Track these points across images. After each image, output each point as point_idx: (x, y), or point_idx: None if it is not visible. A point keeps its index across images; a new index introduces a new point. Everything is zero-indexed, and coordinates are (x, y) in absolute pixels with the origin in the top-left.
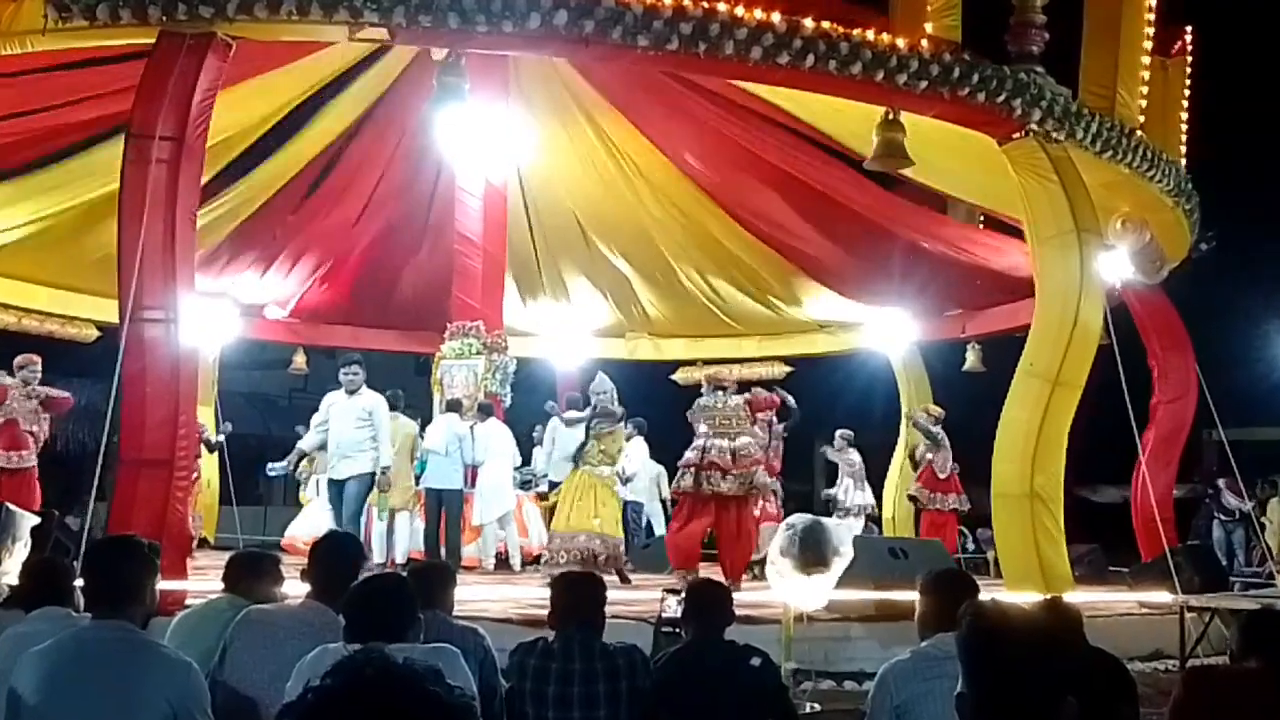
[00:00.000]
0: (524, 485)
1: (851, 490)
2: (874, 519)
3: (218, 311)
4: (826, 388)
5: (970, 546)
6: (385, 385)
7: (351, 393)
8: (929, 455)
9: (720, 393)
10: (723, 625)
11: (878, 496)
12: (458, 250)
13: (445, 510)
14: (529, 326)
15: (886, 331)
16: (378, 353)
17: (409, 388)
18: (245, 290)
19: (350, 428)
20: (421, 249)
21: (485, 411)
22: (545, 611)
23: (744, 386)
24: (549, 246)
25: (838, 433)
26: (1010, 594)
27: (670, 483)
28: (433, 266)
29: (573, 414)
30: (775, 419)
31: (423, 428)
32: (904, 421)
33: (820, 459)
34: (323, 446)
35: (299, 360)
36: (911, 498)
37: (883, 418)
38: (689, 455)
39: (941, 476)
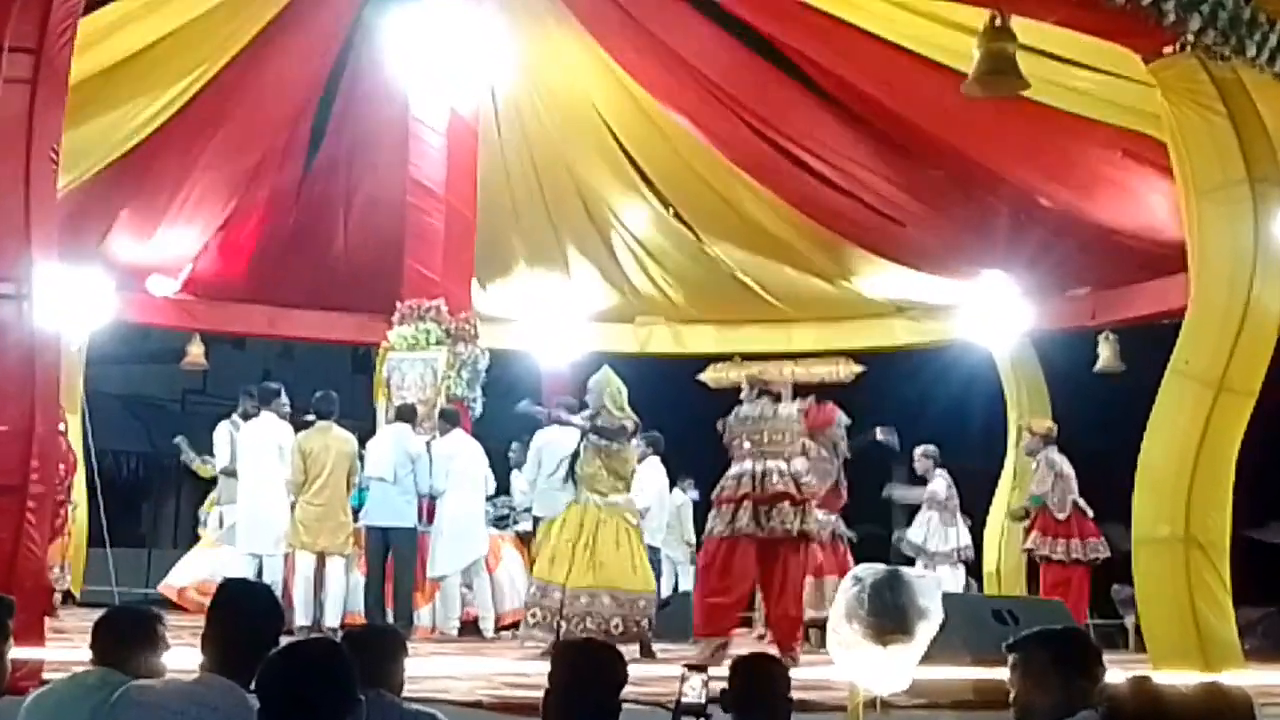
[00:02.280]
0: (499, 522)
1: (937, 529)
2: (971, 569)
3: (84, 284)
4: (907, 393)
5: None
6: (313, 386)
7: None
8: (1043, 489)
9: (766, 399)
10: (783, 715)
11: (977, 539)
12: (411, 205)
13: (393, 556)
14: (506, 309)
15: (988, 317)
16: (303, 342)
17: (345, 389)
18: (122, 256)
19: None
20: (361, 203)
21: (449, 421)
22: (531, 694)
23: (798, 392)
24: (535, 201)
25: (918, 451)
26: (1157, 673)
27: (700, 519)
28: (377, 227)
29: (562, 415)
30: (843, 437)
31: (363, 444)
32: (1013, 438)
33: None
34: (231, 473)
35: (195, 352)
36: (1027, 550)
37: (984, 434)
38: (726, 484)
39: (1060, 517)
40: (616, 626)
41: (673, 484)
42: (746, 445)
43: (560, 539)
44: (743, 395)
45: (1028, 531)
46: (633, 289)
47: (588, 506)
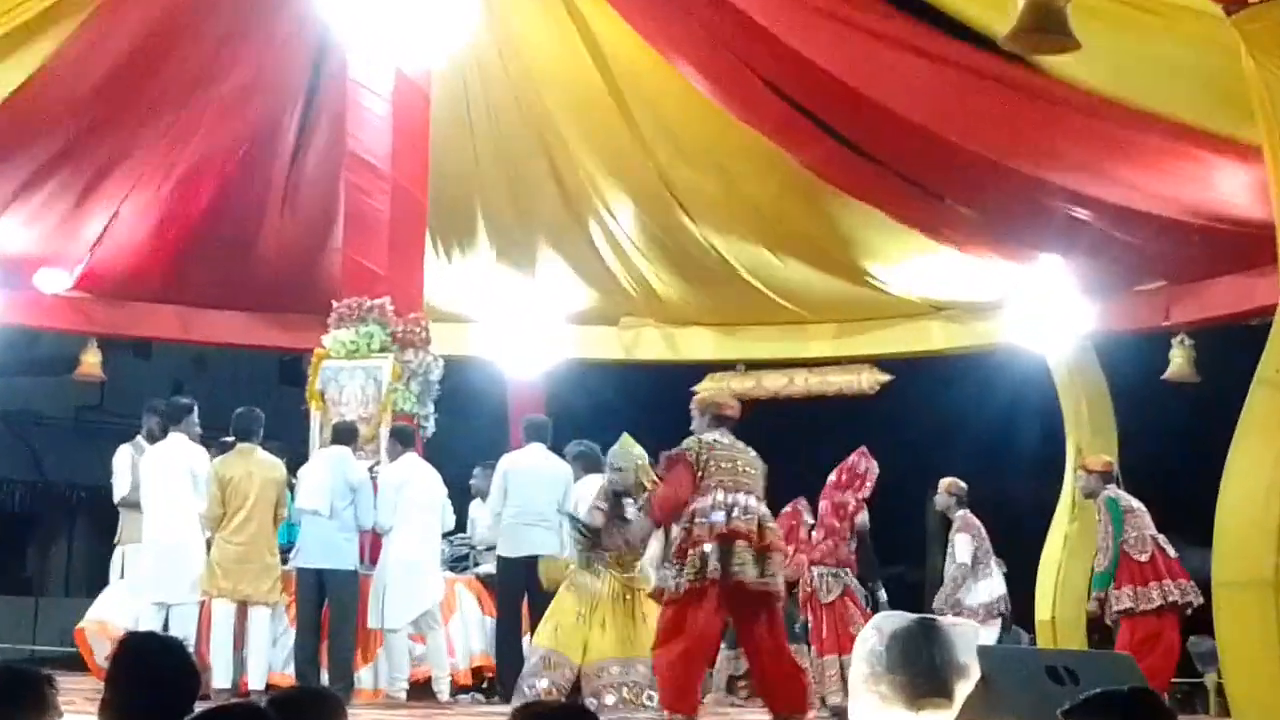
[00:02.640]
0: (456, 563)
1: (968, 574)
2: (1008, 619)
3: None
4: (943, 407)
5: None
6: (232, 402)
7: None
8: (1106, 552)
9: (722, 429)
10: None
11: (1024, 579)
12: (350, 183)
13: (329, 604)
14: (465, 308)
15: (1041, 317)
16: (221, 349)
17: (270, 405)
18: (1, 243)
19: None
20: (290, 182)
21: (401, 443)
22: None
23: (813, 405)
24: (500, 181)
25: (942, 484)
26: None
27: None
28: (310, 211)
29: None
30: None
31: (293, 470)
32: (1070, 464)
33: (933, 520)
34: (134, 504)
35: (90, 361)
36: (1101, 605)
37: (1035, 455)
38: (678, 530)
39: (1142, 559)
40: (650, 698)
41: None
42: (715, 474)
43: (572, 608)
44: (694, 423)
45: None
46: (616, 284)
47: (606, 579)
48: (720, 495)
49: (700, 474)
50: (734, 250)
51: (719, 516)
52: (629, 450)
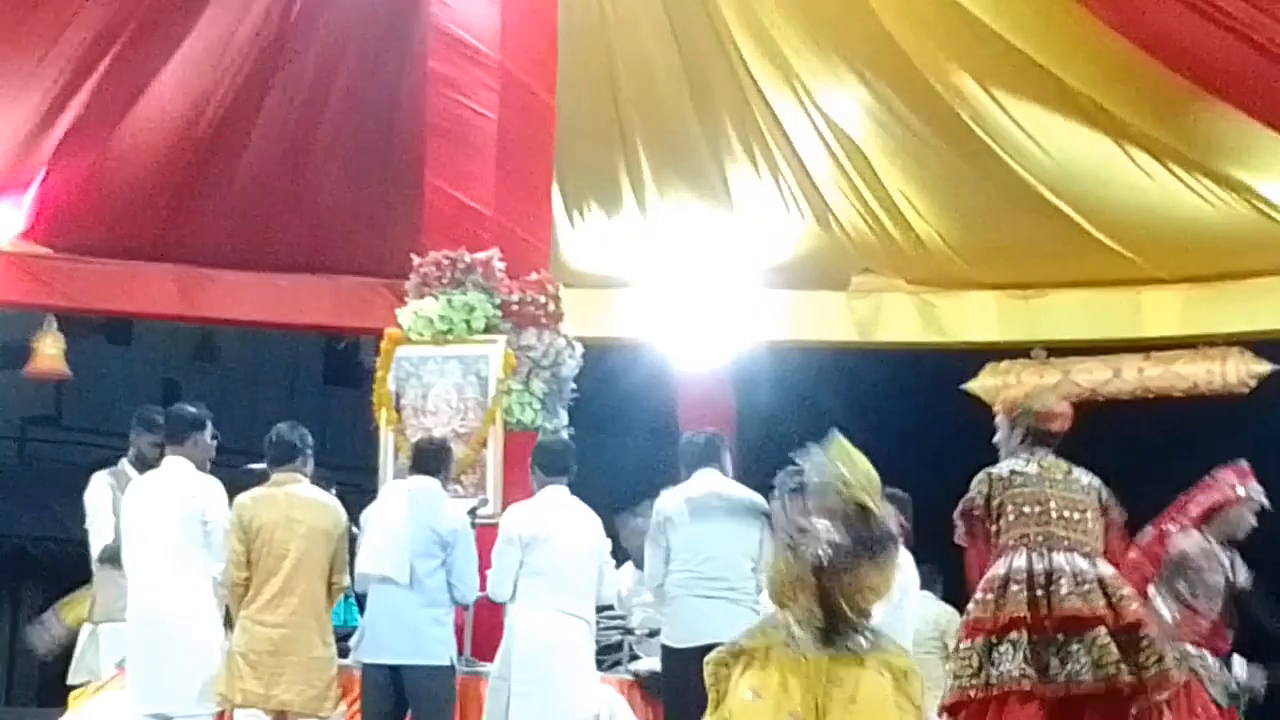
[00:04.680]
0: (603, 656)
1: None
2: None
3: None
4: None
5: None
6: (255, 410)
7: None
8: None
9: (1044, 450)
10: None
11: None
12: (436, 77)
13: (411, 717)
14: (610, 268)
15: None
16: (237, 329)
17: (313, 413)
18: None
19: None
20: (341, 78)
21: (547, 469)
22: None
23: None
24: (667, 73)
25: None
26: None
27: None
28: (370, 121)
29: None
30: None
31: (354, 515)
32: None
33: None
34: (115, 558)
35: (47, 350)
36: None
37: None
38: (985, 596)
39: None
40: None
41: (929, 573)
42: (1016, 524)
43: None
44: (999, 435)
45: None
46: (843, 226)
47: (807, 658)
48: (1020, 560)
49: (992, 525)
50: (1033, 164)
51: (1016, 593)
52: (841, 459)
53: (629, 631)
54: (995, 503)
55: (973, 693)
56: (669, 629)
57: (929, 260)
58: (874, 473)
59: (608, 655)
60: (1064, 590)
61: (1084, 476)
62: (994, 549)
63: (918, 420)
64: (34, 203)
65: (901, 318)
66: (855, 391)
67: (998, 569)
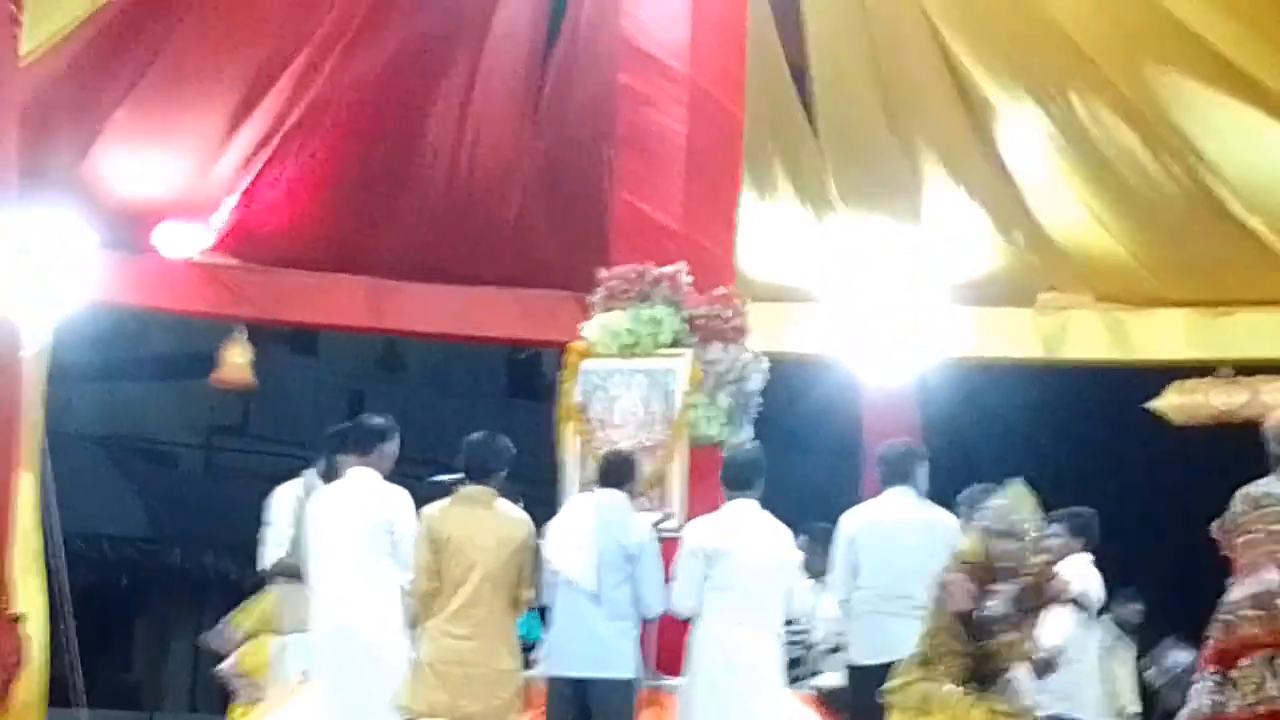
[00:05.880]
0: (788, 668)
1: None
2: None
3: (50, 236)
4: None
5: None
6: (439, 420)
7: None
8: None
9: None
10: None
11: None
12: (625, 90)
13: None
14: (795, 281)
15: None
16: (422, 342)
17: (497, 424)
18: (112, 186)
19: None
20: (532, 92)
21: (739, 485)
22: None
23: None
24: (858, 82)
25: None
26: None
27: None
28: (560, 134)
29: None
30: None
31: (539, 526)
32: None
33: None
34: (295, 573)
35: (235, 360)
36: None
37: None
38: (1224, 620)
39: None
40: None
41: (1105, 605)
42: (1265, 541)
43: None
44: (1274, 446)
45: None
46: (1033, 241)
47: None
48: (1272, 575)
49: (1239, 544)
50: (1234, 181)
51: (1247, 612)
52: (1019, 505)
53: (810, 647)
54: (1239, 522)
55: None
56: (855, 646)
57: (1116, 277)
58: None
59: (790, 670)
60: None
61: None
62: (1241, 567)
63: (1103, 438)
64: (226, 218)
65: (1088, 335)
66: (1041, 409)
67: (1237, 591)
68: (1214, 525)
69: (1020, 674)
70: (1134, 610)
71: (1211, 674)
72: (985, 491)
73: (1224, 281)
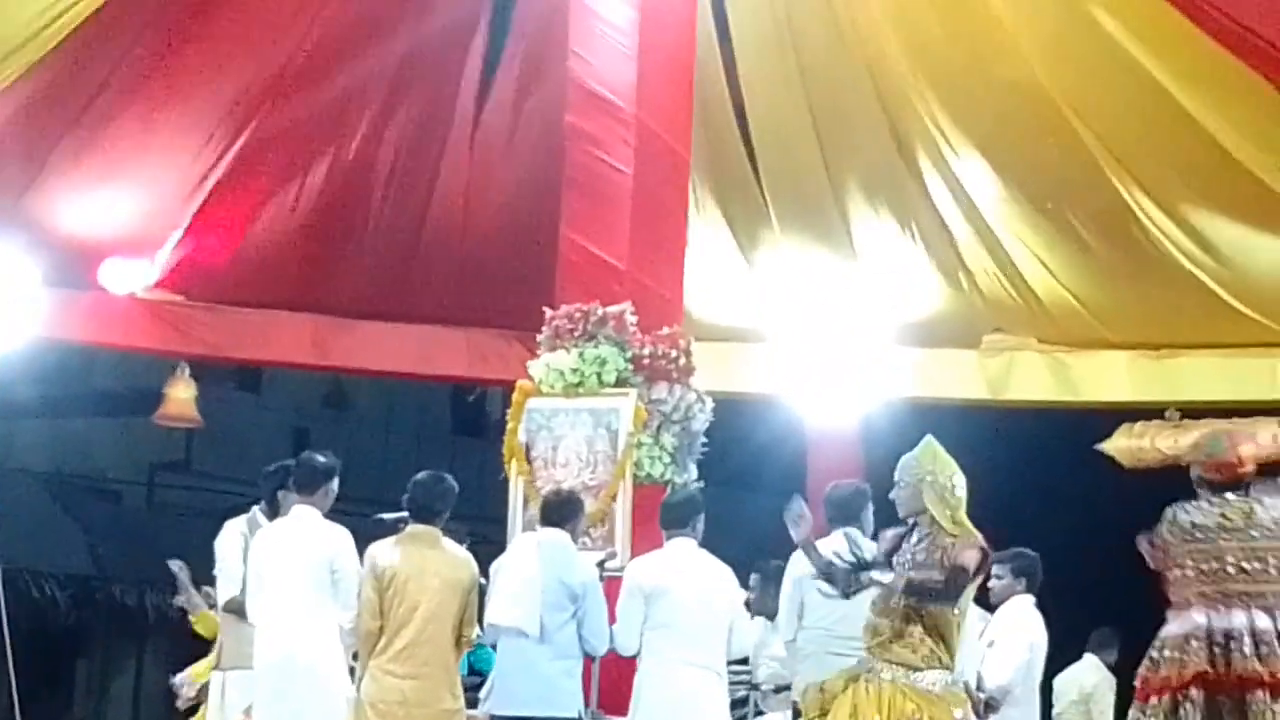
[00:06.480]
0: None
1: None
2: None
3: None
4: None
5: None
6: (384, 459)
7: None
8: None
9: (1234, 496)
10: None
11: None
12: (573, 130)
13: None
14: (740, 321)
15: None
16: (367, 380)
17: (441, 464)
18: (56, 222)
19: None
20: (478, 131)
21: (678, 523)
22: None
23: None
24: (796, 126)
25: None
26: None
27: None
28: (506, 175)
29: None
30: None
31: (484, 567)
32: None
33: None
34: (239, 610)
35: (179, 396)
36: None
37: None
38: (1160, 654)
39: None
40: None
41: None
42: (1194, 580)
43: None
44: (1196, 472)
45: None
46: (975, 283)
47: (879, 686)
48: (1200, 618)
49: (1175, 576)
50: (1171, 226)
51: (1196, 650)
52: (931, 460)
53: (755, 686)
54: (1174, 553)
55: None
56: (801, 686)
57: (1061, 319)
58: (959, 477)
59: (734, 710)
60: (1245, 651)
61: (1272, 508)
62: (1171, 601)
63: (1048, 480)
64: (171, 254)
65: (1033, 376)
66: (987, 450)
67: (1173, 626)
68: (1141, 540)
69: (940, 678)
70: (1106, 647)
71: (1150, 709)
72: (898, 535)
73: (1168, 326)
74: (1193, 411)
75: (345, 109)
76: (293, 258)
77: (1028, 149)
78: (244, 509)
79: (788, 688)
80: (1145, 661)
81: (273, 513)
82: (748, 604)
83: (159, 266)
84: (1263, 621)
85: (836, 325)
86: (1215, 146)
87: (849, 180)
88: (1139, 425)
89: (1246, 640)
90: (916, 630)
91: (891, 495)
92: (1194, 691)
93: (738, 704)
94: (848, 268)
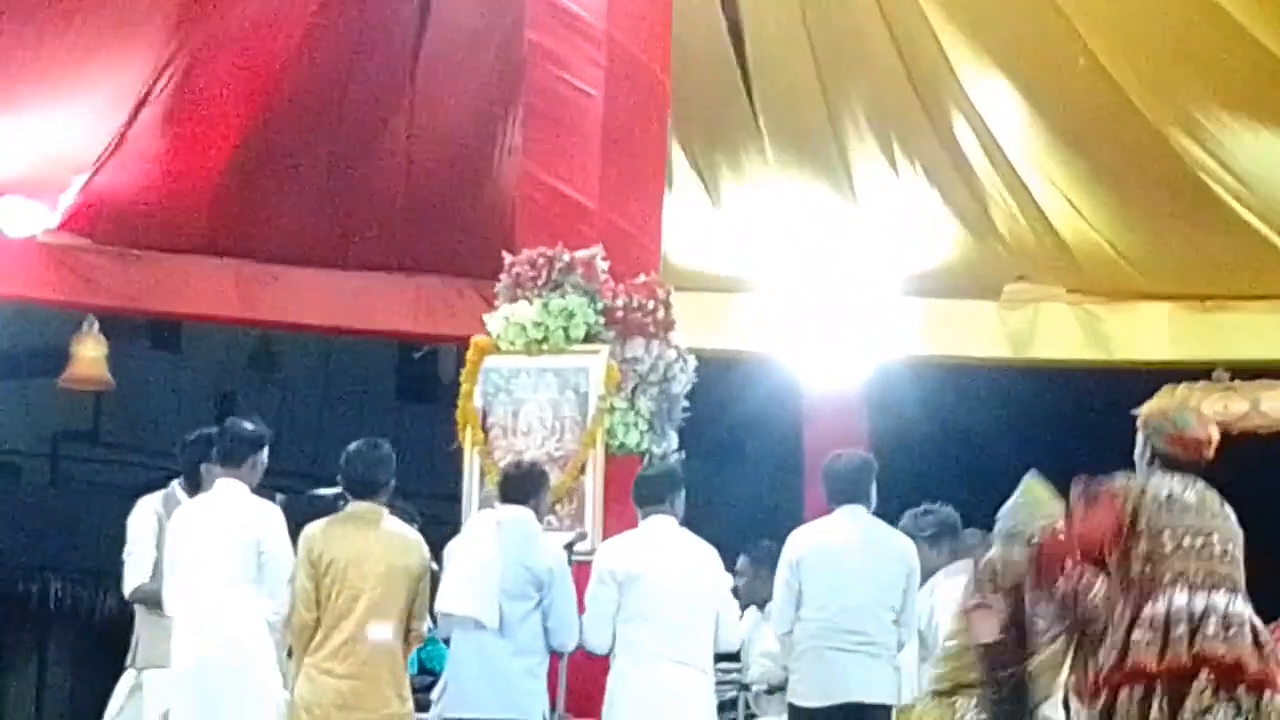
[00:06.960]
0: (721, 711)
1: None
2: None
3: None
4: None
5: None
6: (319, 428)
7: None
8: None
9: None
10: None
11: None
12: (534, 49)
13: None
14: (726, 267)
15: None
16: (301, 335)
17: (385, 431)
18: None
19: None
20: (425, 49)
21: (652, 499)
22: None
23: None
24: (793, 50)
25: None
26: None
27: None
28: (456, 99)
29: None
30: None
31: (435, 550)
32: None
33: None
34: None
35: (88, 354)
36: None
37: None
38: (1130, 641)
39: None
40: None
41: None
42: (1169, 558)
43: None
44: (1156, 441)
45: None
46: (994, 226)
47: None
48: (1182, 598)
49: (1139, 551)
50: (1218, 166)
51: (1179, 632)
52: (1036, 504)
53: (745, 687)
54: (1148, 523)
55: None
56: (798, 685)
57: (1093, 267)
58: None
59: (722, 714)
60: (1215, 633)
61: (1224, 512)
62: (1140, 581)
63: (1080, 449)
64: (77, 193)
65: (1061, 332)
66: (1007, 415)
67: (1152, 606)
68: (1104, 490)
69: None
70: None
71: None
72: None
73: (1214, 274)
74: (1243, 371)
75: (268, 29)
76: (214, 197)
77: (1051, 74)
78: (160, 484)
79: (782, 688)
80: (1117, 645)
81: (193, 488)
82: (736, 591)
83: (63, 207)
84: (1237, 603)
85: (837, 273)
86: (1270, 63)
87: (851, 109)
88: (1182, 388)
89: (1216, 621)
90: None
91: (993, 554)
92: (1157, 685)
93: (725, 706)
94: (850, 208)
